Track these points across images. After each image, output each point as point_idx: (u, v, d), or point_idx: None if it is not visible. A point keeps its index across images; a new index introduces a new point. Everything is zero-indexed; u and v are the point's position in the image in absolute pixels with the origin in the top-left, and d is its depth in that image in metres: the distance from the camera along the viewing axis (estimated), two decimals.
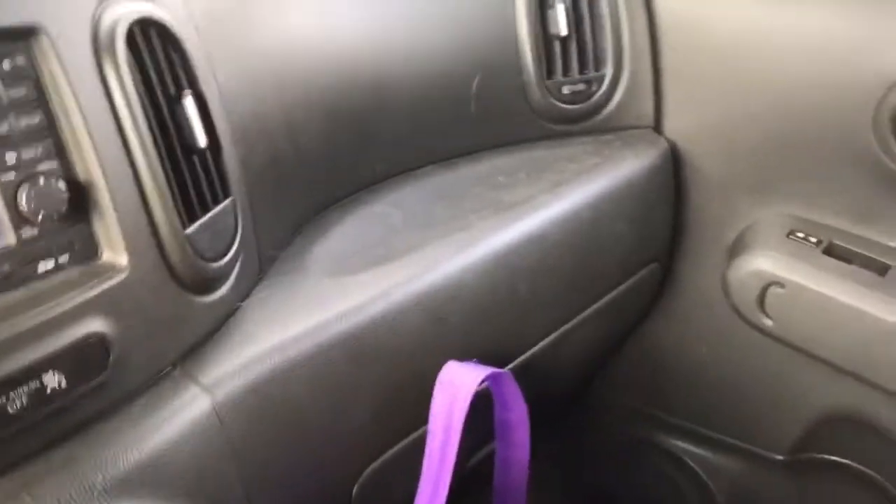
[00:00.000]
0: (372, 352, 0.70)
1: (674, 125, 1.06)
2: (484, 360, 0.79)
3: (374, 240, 0.80)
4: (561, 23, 0.99)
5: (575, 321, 0.96)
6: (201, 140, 0.61)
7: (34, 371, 0.50)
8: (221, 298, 0.65)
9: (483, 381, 0.77)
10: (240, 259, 0.67)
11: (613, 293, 1.00)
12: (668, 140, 1.05)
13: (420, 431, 0.78)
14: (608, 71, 1.03)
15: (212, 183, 0.64)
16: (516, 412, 0.85)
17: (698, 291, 1.12)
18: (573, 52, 1.02)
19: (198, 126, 0.61)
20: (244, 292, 0.70)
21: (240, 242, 0.66)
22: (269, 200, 0.74)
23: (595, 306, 0.98)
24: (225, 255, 0.64)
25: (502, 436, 0.88)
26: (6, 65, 0.51)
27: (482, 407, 0.86)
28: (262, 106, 0.73)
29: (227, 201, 0.65)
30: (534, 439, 0.90)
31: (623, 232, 0.98)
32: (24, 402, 0.49)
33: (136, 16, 0.58)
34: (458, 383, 0.73)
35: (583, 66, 1.03)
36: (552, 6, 1.00)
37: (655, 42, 1.03)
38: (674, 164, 1.05)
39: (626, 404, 1.27)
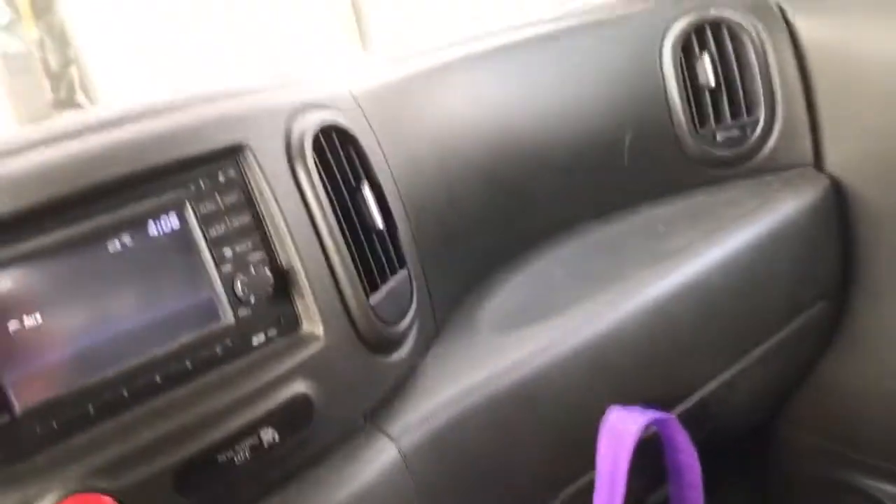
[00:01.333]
0: (539, 401, 0.76)
1: (835, 160, 1.05)
2: (648, 404, 0.83)
3: (538, 296, 0.86)
4: (709, 73, 1.03)
5: (742, 363, 0.97)
6: (378, 222, 0.71)
7: (254, 428, 0.60)
8: (403, 357, 0.74)
9: (649, 425, 0.80)
10: (417, 321, 0.76)
11: (780, 334, 1.00)
12: (830, 176, 1.05)
13: (588, 476, 0.82)
14: (761, 114, 1.05)
15: (389, 257, 0.73)
16: (686, 454, 0.87)
17: (880, 325, 1.09)
18: (724, 100, 1.04)
19: (375, 210, 0.71)
20: (423, 350, 0.78)
21: (416, 306, 0.75)
22: (440, 266, 0.82)
23: (762, 347, 0.99)
24: (404, 318, 0.73)
25: (675, 478, 0.91)
26: (221, 177, 0.63)
27: (653, 449, 0.89)
28: (428, 183, 0.82)
29: (402, 271, 0.74)
30: (713, 479, 0.92)
31: (786, 272, 0.98)
32: (247, 454, 0.60)
33: (319, 125, 0.69)
34: (621, 429, 0.77)
35: (735, 113, 1.05)
36: (698, 57, 1.03)
37: (807, 80, 1.04)
38: (837, 200, 1.04)
39: (811, 442, 1.24)
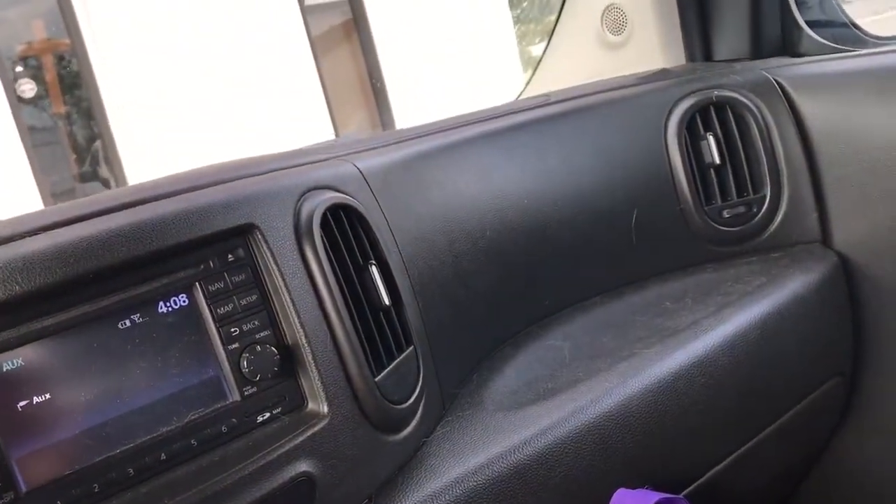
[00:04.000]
0: (545, 481, 0.75)
1: (843, 237, 1.06)
2: (657, 485, 0.82)
3: (544, 374, 0.86)
4: (713, 152, 1.04)
5: (754, 441, 0.96)
6: (385, 299, 0.72)
7: None
8: (409, 435, 0.74)
9: None
10: (423, 399, 0.76)
11: (792, 411, 0.99)
12: (838, 252, 1.05)
13: None
14: (767, 192, 1.06)
15: (396, 334, 0.74)
16: None
17: (894, 401, 1.08)
18: (729, 178, 1.06)
19: (382, 289, 0.72)
20: (429, 428, 0.78)
21: (422, 384, 0.75)
22: (448, 342, 0.83)
23: (774, 425, 0.98)
24: (410, 396, 0.73)
25: None
26: (230, 256, 0.64)
27: None
28: (435, 261, 0.83)
29: (409, 349, 0.75)
30: None
31: (795, 349, 0.98)
32: None
33: (328, 203, 0.70)
34: None
35: (741, 190, 1.06)
36: (703, 137, 1.05)
37: (812, 158, 1.05)
38: (846, 276, 1.05)
39: None
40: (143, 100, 5.33)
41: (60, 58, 5.48)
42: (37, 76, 5.34)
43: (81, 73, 5.38)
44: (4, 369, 0.55)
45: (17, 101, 5.13)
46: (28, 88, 5.21)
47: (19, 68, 5.27)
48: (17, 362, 0.55)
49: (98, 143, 5.46)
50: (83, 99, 5.47)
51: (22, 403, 0.55)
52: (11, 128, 4.99)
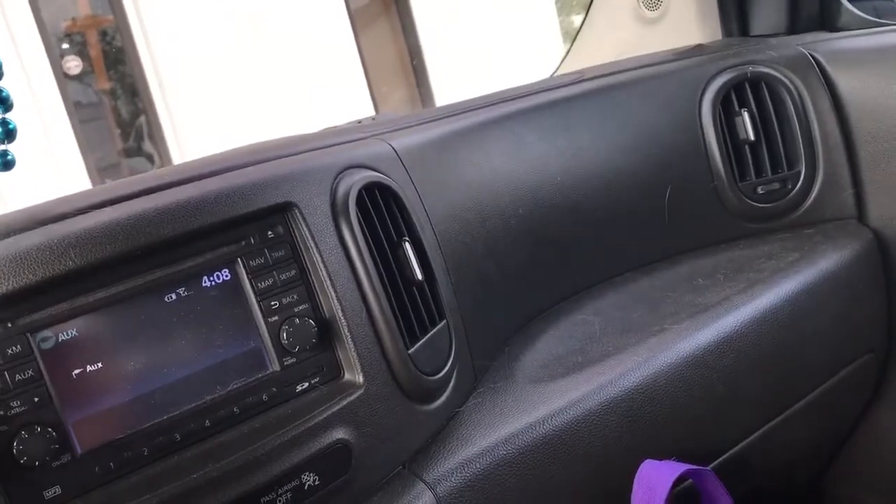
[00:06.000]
0: (573, 452, 0.77)
1: (879, 213, 1.06)
2: (684, 457, 0.84)
3: (574, 347, 0.88)
4: (748, 129, 1.05)
5: (783, 416, 0.97)
6: (419, 275, 0.74)
7: (296, 472, 0.63)
8: (441, 406, 0.76)
9: (685, 479, 0.81)
10: (455, 371, 0.79)
11: (823, 387, 1.00)
12: (874, 229, 1.05)
13: None
14: (802, 168, 1.06)
15: (429, 309, 0.76)
16: None
17: None
18: (764, 155, 1.06)
19: (415, 264, 0.74)
20: (461, 399, 0.81)
21: (454, 357, 0.78)
22: (480, 317, 0.85)
23: (804, 401, 0.98)
24: (443, 369, 0.76)
25: None
26: (270, 233, 0.67)
27: (692, 502, 0.89)
28: (468, 237, 0.85)
29: (441, 323, 0.77)
30: None
31: (828, 326, 0.98)
32: (289, 497, 0.63)
33: (364, 182, 0.73)
34: (654, 481, 0.78)
35: (775, 167, 1.06)
36: (738, 114, 1.05)
37: (848, 134, 1.05)
38: (881, 252, 1.04)
39: (861, 499, 1.22)
40: (185, 76, 5.40)
41: (104, 34, 5.56)
42: (82, 52, 5.43)
43: (125, 49, 5.46)
44: (60, 339, 0.58)
45: (63, 77, 5.22)
46: (74, 65, 5.30)
47: (65, 45, 5.37)
48: (72, 333, 0.59)
49: (142, 119, 5.55)
50: (127, 75, 5.55)
51: (77, 371, 0.59)
52: (59, 104, 5.09)
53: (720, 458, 0.91)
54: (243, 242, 0.66)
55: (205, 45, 5.44)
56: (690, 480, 0.86)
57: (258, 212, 0.66)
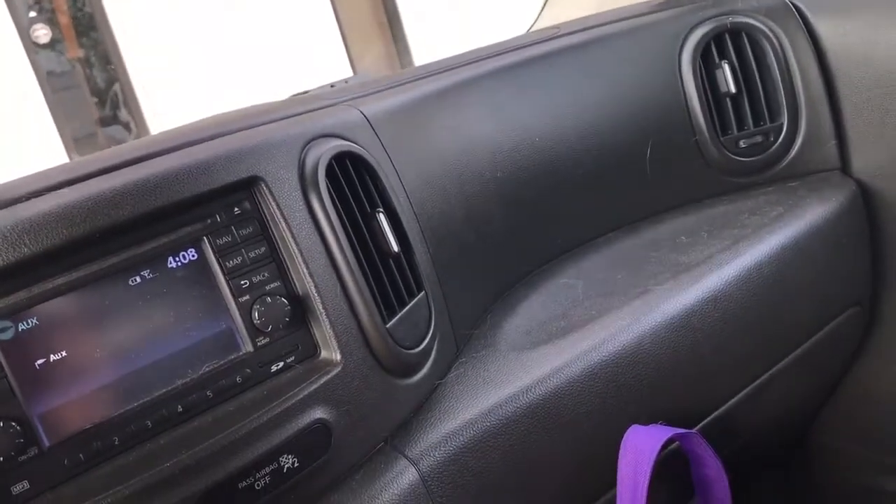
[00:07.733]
0: (558, 420, 0.76)
1: (862, 164, 1.04)
2: (671, 421, 0.83)
3: (557, 313, 0.86)
4: (729, 81, 1.02)
5: (770, 373, 0.96)
6: (394, 246, 0.72)
7: (274, 455, 0.61)
8: (422, 379, 0.75)
9: (672, 442, 0.80)
10: (436, 343, 0.77)
11: (809, 342, 0.99)
12: (858, 180, 1.03)
13: (609, 494, 0.82)
14: (784, 120, 1.04)
15: (406, 281, 0.74)
16: (712, 468, 0.87)
17: None
18: (745, 107, 1.04)
19: (390, 235, 0.72)
20: (443, 371, 0.79)
21: (434, 329, 0.76)
22: (460, 286, 0.83)
23: (791, 357, 0.98)
24: (423, 341, 0.74)
25: (702, 492, 0.90)
26: (236, 209, 0.64)
27: (680, 465, 0.89)
28: (446, 204, 0.83)
29: (420, 295, 0.75)
30: (747, 490, 0.91)
31: (813, 280, 0.97)
32: (268, 481, 0.61)
33: (333, 152, 0.70)
34: (641, 446, 0.77)
35: (757, 119, 1.04)
36: (718, 66, 1.03)
37: (830, 84, 1.03)
38: (866, 204, 1.03)
39: (847, 450, 1.22)
40: (157, 39, 5.28)
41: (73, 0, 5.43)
42: (51, 20, 5.30)
43: (94, 15, 5.34)
44: (20, 329, 0.56)
45: (32, 46, 5.10)
46: (43, 34, 5.17)
47: (33, 13, 5.24)
48: (33, 322, 0.56)
49: (117, 87, 5.45)
50: (99, 42, 5.43)
51: (40, 362, 0.56)
52: (29, 74, 4.98)
53: (708, 419, 0.90)
54: (209, 220, 0.63)
55: (174, 8, 5.32)
56: (678, 443, 0.86)
57: (223, 188, 0.63)
